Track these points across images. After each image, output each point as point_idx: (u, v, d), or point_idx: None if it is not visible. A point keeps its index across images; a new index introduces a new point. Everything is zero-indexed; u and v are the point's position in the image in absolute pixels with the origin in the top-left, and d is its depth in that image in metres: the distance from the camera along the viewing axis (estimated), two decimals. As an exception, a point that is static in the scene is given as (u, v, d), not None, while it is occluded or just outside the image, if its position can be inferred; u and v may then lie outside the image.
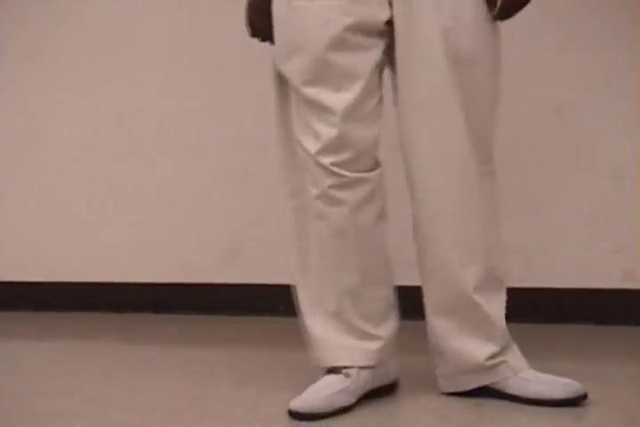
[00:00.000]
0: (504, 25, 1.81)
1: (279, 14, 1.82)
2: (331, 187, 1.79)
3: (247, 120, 2.97)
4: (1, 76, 3.25)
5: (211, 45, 3.00)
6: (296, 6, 1.78)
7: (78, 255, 3.17)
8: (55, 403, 1.94)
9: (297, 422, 1.72)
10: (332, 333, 1.84)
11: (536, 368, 1.83)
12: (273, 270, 2.94)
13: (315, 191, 1.82)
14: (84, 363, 2.39)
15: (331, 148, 1.78)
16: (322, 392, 1.77)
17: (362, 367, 1.82)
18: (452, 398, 1.84)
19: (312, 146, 1.79)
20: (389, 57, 1.81)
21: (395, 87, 1.83)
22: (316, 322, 1.86)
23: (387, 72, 1.85)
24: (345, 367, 1.82)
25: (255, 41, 2.90)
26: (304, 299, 1.90)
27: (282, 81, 1.86)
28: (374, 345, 1.84)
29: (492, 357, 1.81)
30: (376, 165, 1.84)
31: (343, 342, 1.84)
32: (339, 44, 1.75)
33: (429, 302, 1.85)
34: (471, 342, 1.81)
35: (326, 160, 1.78)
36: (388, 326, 1.87)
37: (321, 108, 1.77)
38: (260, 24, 1.88)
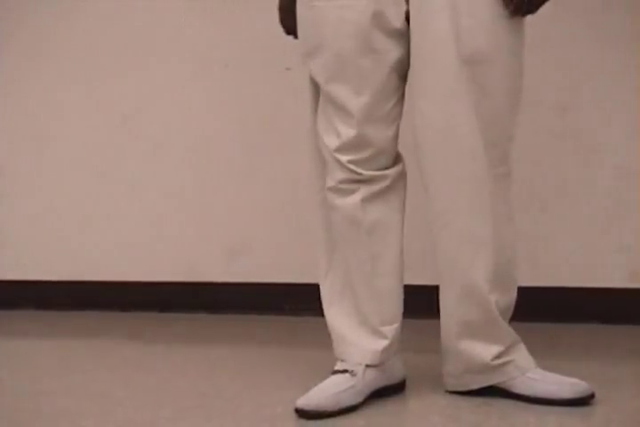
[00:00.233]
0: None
1: (301, 14, 1.85)
2: (342, 181, 1.82)
3: (253, 119, 2.97)
4: (3, 75, 3.25)
5: (216, 45, 3.00)
6: (315, 6, 1.80)
7: (82, 254, 3.17)
8: (60, 402, 1.94)
9: (303, 421, 1.72)
10: (346, 327, 1.86)
11: (542, 367, 1.83)
12: (278, 269, 2.94)
13: (330, 183, 1.84)
14: (89, 361, 2.39)
15: (349, 146, 1.80)
16: (328, 391, 1.77)
17: (368, 366, 1.82)
18: (459, 398, 1.83)
19: (332, 142, 1.82)
20: (408, 58, 1.80)
21: (408, 84, 1.83)
22: (333, 314, 1.88)
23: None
24: (345, 371, 1.82)
25: (260, 40, 2.93)
26: (325, 290, 1.91)
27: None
28: (381, 344, 1.84)
29: (498, 356, 1.81)
30: (395, 161, 1.86)
31: (354, 337, 1.85)
32: (356, 43, 1.76)
33: (441, 301, 1.86)
34: (478, 342, 1.81)
35: (344, 158, 1.81)
36: (395, 325, 1.87)
37: (341, 109, 1.80)
38: (290, 23, 1.91)
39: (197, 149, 3.05)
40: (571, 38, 2.64)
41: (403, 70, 1.82)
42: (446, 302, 1.84)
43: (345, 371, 1.82)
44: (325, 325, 1.91)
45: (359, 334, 1.85)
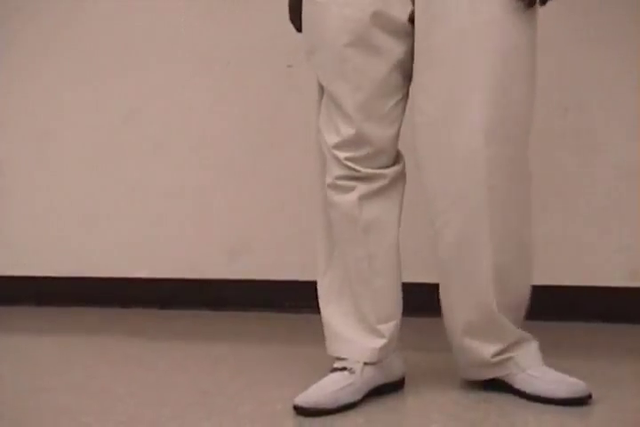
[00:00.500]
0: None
1: (305, 11, 1.85)
2: (339, 178, 1.82)
3: (254, 118, 2.97)
4: (4, 75, 3.26)
5: (217, 44, 3.00)
6: (318, 3, 1.80)
7: (85, 251, 3.18)
8: (60, 398, 1.94)
9: (302, 419, 1.72)
10: (344, 325, 1.86)
11: (543, 365, 1.83)
12: (279, 267, 2.95)
13: (329, 179, 1.84)
14: (90, 358, 2.39)
15: (348, 143, 1.80)
16: (327, 389, 1.77)
17: (366, 364, 1.82)
18: (458, 395, 1.84)
19: (331, 139, 1.82)
20: (412, 57, 1.79)
21: (413, 83, 1.82)
22: (331, 312, 1.88)
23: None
24: (344, 369, 1.82)
25: (261, 38, 2.92)
26: (323, 287, 1.91)
27: None
28: (379, 342, 1.84)
29: (498, 354, 1.81)
30: (395, 161, 1.86)
31: (352, 335, 1.85)
32: (356, 40, 1.75)
33: (442, 300, 1.86)
34: (479, 340, 1.81)
35: (342, 155, 1.81)
36: (393, 323, 1.86)
37: (340, 106, 1.79)
38: (298, 21, 1.91)
39: (199, 147, 3.05)
40: (572, 38, 2.64)
41: (406, 69, 1.80)
42: (447, 301, 1.84)
43: (343, 369, 1.82)
44: (325, 322, 1.91)
45: (357, 332, 1.85)
